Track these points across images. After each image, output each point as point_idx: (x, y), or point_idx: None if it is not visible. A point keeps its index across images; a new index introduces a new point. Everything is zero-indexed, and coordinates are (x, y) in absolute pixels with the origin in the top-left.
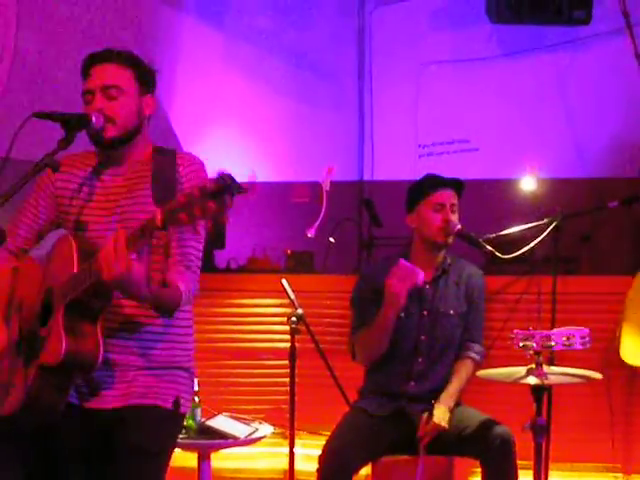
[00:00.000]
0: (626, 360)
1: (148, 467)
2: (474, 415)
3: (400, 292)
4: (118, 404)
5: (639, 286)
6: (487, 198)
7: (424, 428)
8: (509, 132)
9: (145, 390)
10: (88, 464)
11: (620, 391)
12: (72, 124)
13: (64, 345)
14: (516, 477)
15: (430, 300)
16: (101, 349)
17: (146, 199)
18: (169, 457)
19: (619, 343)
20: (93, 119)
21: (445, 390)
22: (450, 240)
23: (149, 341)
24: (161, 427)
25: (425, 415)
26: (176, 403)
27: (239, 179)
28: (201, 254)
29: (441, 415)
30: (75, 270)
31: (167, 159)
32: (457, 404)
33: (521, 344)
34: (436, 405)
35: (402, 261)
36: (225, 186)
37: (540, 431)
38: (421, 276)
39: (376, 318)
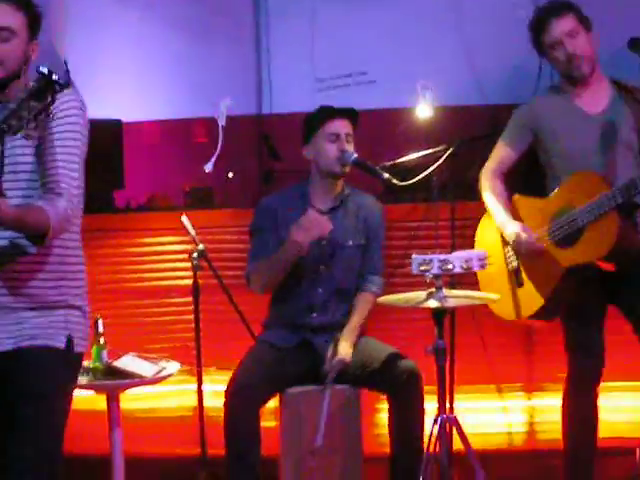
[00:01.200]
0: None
1: (44, 409)
2: (379, 348)
3: (304, 242)
4: (9, 347)
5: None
6: (384, 128)
7: (330, 363)
8: (406, 62)
9: (36, 331)
10: None
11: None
12: None
13: None
14: (422, 408)
15: (329, 232)
16: None
17: None
18: (67, 399)
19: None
20: None
21: (347, 325)
22: (347, 169)
23: (35, 280)
24: (54, 368)
25: (330, 350)
26: (69, 342)
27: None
28: (76, 179)
29: (344, 351)
30: None
31: None
32: (360, 335)
33: (420, 268)
34: (340, 340)
35: (310, 210)
36: (46, 82)
37: (442, 354)
38: (329, 226)
39: (275, 255)
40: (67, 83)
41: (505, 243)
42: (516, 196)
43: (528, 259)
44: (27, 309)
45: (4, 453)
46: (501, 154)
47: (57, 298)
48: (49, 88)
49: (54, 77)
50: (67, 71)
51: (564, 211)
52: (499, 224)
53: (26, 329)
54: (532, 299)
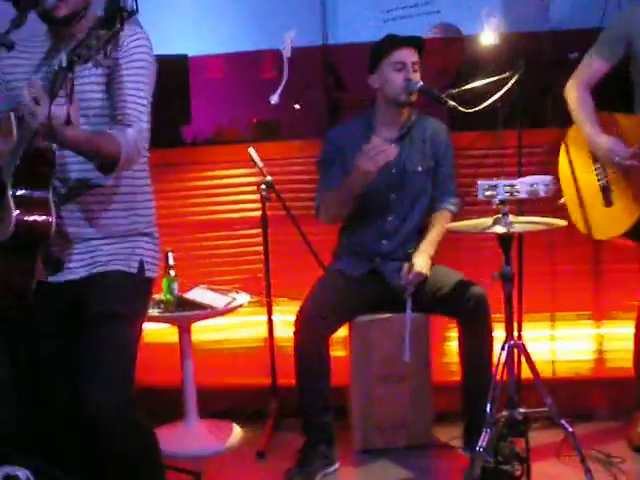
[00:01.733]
0: (588, 236)
1: (118, 328)
2: (448, 274)
3: (370, 170)
4: (84, 274)
5: (563, 165)
6: (449, 56)
7: (405, 277)
8: None
9: (108, 257)
10: (67, 340)
11: (589, 240)
12: (23, 3)
13: (13, 216)
14: (490, 333)
15: (397, 158)
16: (53, 218)
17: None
18: (140, 322)
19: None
20: None
21: (425, 238)
22: (413, 98)
23: (107, 211)
24: (127, 290)
25: (406, 265)
26: (140, 267)
27: None
28: (145, 113)
29: (422, 263)
30: (15, 138)
31: None
32: (432, 262)
33: (486, 193)
34: (416, 253)
35: (375, 138)
36: (113, 10)
37: (508, 279)
38: (394, 152)
39: (343, 185)
40: (134, 10)
41: (595, 158)
42: (604, 112)
43: (619, 176)
44: (99, 238)
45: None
46: (592, 65)
47: (128, 227)
48: (117, 15)
49: (122, 3)
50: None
51: None
52: (588, 137)
53: (98, 256)
54: (622, 218)
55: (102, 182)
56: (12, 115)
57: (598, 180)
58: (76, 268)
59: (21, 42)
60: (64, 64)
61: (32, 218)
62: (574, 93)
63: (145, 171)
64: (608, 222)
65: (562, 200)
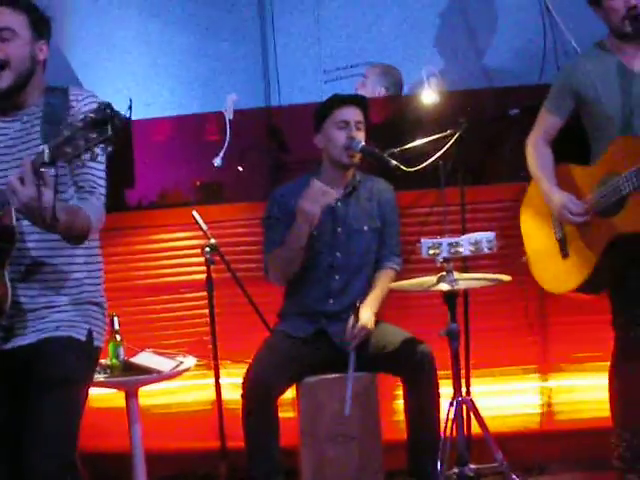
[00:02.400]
0: (550, 290)
1: (67, 393)
2: (393, 332)
3: (313, 211)
4: (31, 340)
5: (523, 219)
6: (391, 115)
7: (350, 331)
8: (410, 49)
9: (57, 324)
10: (15, 405)
11: (534, 295)
12: None
13: None
14: (437, 391)
15: (343, 217)
16: (9, 292)
17: (39, 142)
18: (86, 389)
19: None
20: None
21: (369, 295)
22: (356, 160)
23: (58, 280)
24: (75, 357)
25: (351, 318)
26: (89, 336)
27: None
28: (104, 181)
29: (367, 317)
30: None
31: (58, 97)
32: (376, 321)
33: (429, 252)
34: (361, 308)
35: (315, 181)
36: (106, 116)
37: (454, 337)
38: (334, 195)
39: (289, 237)
40: (127, 118)
41: (552, 212)
42: (561, 164)
43: (573, 229)
44: (49, 307)
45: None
46: (546, 121)
47: (79, 296)
48: (109, 120)
49: (116, 110)
50: (130, 107)
51: (608, 178)
52: (544, 193)
53: (48, 322)
54: (577, 271)
55: (60, 253)
56: None
57: (555, 233)
58: (24, 335)
59: None
60: (46, 159)
61: None
62: (531, 149)
63: (97, 240)
64: (563, 275)
65: (524, 258)
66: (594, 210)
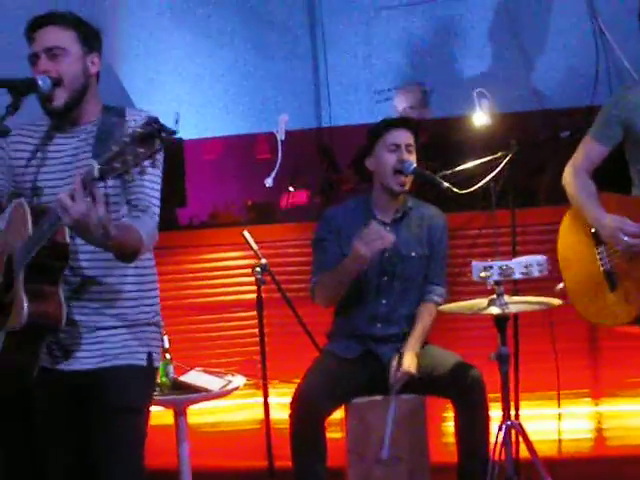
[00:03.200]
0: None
1: (131, 424)
2: (443, 355)
3: (367, 255)
4: (93, 366)
5: (562, 251)
6: (443, 137)
7: (395, 375)
8: (462, 71)
9: (118, 350)
10: (66, 428)
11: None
12: (18, 89)
13: (25, 308)
14: (487, 413)
15: (392, 243)
16: (63, 310)
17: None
18: (148, 413)
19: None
20: (40, 82)
21: (410, 335)
22: (406, 187)
23: (115, 300)
24: (138, 384)
25: (394, 362)
26: (149, 358)
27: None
28: (157, 200)
29: (409, 362)
30: (30, 232)
31: (115, 116)
32: (424, 344)
33: (480, 274)
34: (404, 352)
35: (373, 223)
36: (153, 130)
37: (504, 360)
38: (391, 240)
39: (338, 267)
40: (174, 132)
41: (598, 242)
42: (604, 193)
43: (622, 260)
44: (107, 328)
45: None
46: (591, 150)
47: (136, 317)
48: (156, 134)
49: (163, 124)
50: (177, 121)
51: None
52: (593, 221)
53: (107, 349)
54: (629, 304)
55: (112, 272)
56: (25, 205)
57: (601, 265)
58: (84, 358)
59: (24, 127)
60: (96, 174)
61: (43, 309)
62: (573, 180)
63: (152, 260)
64: (613, 309)
65: (561, 285)
66: None
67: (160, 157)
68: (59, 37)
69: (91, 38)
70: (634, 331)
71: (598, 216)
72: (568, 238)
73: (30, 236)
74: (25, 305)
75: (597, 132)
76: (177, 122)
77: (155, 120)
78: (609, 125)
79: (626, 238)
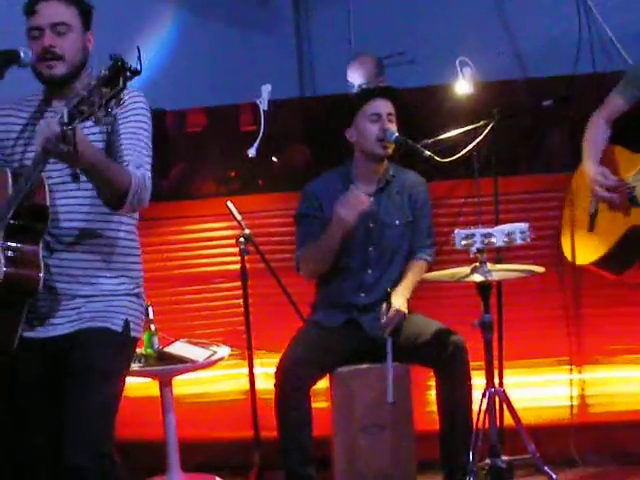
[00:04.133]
0: (570, 259)
1: (103, 386)
2: (426, 323)
3: (349, 219)
4: (68, 331)
5: (573, 187)
6: (425, 106)
7: (384, 316)
8: (444, 40)
9: (94, 314)
10: (47, 392)
11: (568, 286)
12: (1, 60)
13: (2, 269)
14: (469, 382)
15: (375, 212)
16: (41, 272)
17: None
18: (123, 379)
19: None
20: (21, 54)
21: (401, 282)
22: (389, 151)
23: (96, 269)
24: (112, 348)
25: (384, 304)
26: (126, 326)
27: None
28: (149, 159)
29: (400, 301)
30: (10, 192)
31: None
32: (408, 312)
33: (463, 242)
34: (393, 294)
35: (352, 187)
36: (117, 69)
37: (488, 328)
38: (370, 203)
39: (322, 237)
40: (138, 70)
41: None
42: (611, 145)
43: (605, 207)
44: (87, 296)
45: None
46: (612, 102)
47: (117, 287)
48: (121, 74)
49: (126, 64)
50: (139, 57)
51: None
52: (584, 162)
53: (84, 313)
54: (595, 247)
55: (96, 241)
56: (8, 170)
57: (590, 207)
58: (61, 324)
59: (16, 102)
60: (65, 119)
61: (21, 272)
62: (591, 125)
63: (135, 233)
64: (583, 248)
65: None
66: (625, 194)
67: (146, 115)
68: (65, 13)
69: (89, 15)
70: (603, 274)
71: (588, 165)
72: (580, 179)
73: (10, 195)
74: (2, 267)
75: (621, 87)
76: (139, 59)
77: (119, 59)
78: (631, 85)
79: (598, 188)
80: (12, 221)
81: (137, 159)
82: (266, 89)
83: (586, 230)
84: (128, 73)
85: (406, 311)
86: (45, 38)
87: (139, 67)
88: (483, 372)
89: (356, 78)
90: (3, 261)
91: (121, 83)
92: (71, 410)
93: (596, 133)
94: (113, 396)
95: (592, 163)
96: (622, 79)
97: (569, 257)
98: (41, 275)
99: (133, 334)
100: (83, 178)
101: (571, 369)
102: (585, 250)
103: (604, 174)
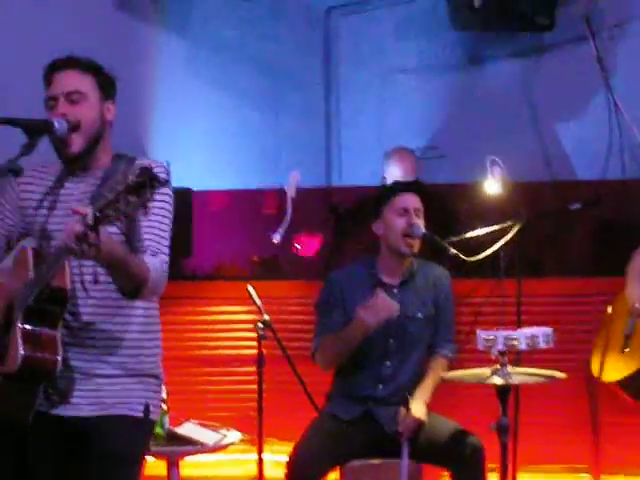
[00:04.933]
0: (596, 375)
1: (123, 473)
2: (444, 423)
3: (372, 324)
4: (88, 413)
5: (612, 310)
6: (453, 203)
7: (403, 423)
8: (475, 138)
9: (115, 400)
10: (59, 471)
11: (587, 393)
12: (34, 129)
13: (20, 352)
14: None
15: (398, 304)
16: (59, 355)
17: None
18: (142, 463)
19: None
20: (56, 124)
21: (421, 385)
22: (415, 250)
23: (115, 348)
24: (133, 434)
25: (403, 410)
26: (146, 410)
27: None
28: (167, 247)
29: (418, 408)
30: (31, 275)
31: (124, 164)
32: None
33: (485, 344)
34: (413, 399)
35: (379, 292)
36: (145, 179)
37: (505, 431)
38: (396, 309)
39: (341, 333)
40: (167, 181)
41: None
42: None
43: None
44: (106, 376)
45: None
46: None
47: (136, 367)
48: (148, 184)
49: (155, 174)
50: (168, 171)
51: None
52: (628, 286)
53: (104, 397)
54: (626, 364)
55: (114, 319)
56: (29, 250)
57: (625, 329)
58: (81, 405)
59: (35, 168)
60: (90, 221)
61: (38, 355)
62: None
63: (156, 309)
64: (613, 366)
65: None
66: None
67: (169, 206)
68: (79, 82)
69: (108, 85)
70: (623, 397)
71: (631, 281)
72: (617, 304)
73: (30, 278)
74: (20, 350)
75: None
76: (168, 173)
77: (147, 170)
78: None
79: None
80: (31, 304)
81: (156, 245)
82: (294, 177)
83: (619, 349)
84: (156, 183)
85: (425, 419)
86: (59, 107)
87: (168, 178)
88: (496, 474)
89: (394, 172)
90: (21, 343)
91: (148, 194)
92: None
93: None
94: (134, 479)
95: (635, 284)
96: None
97: (596, 373)
98: (59, 358)
99: (152, 417)
100: None
101: (588, 478)
102: (614, 367)
103: None
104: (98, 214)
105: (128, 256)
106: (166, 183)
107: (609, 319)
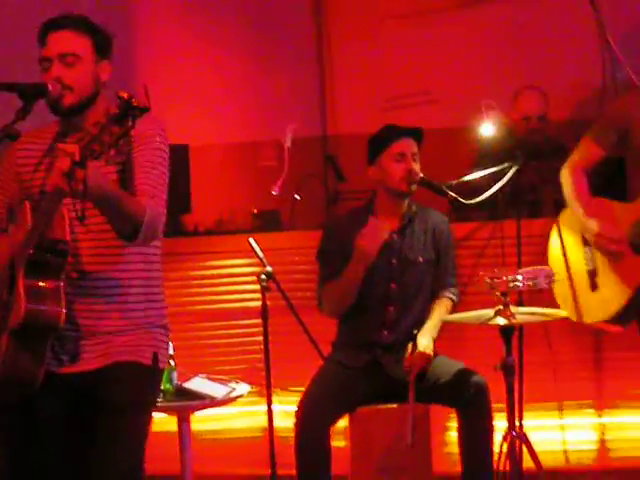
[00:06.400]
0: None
1: (132, 419)
2: (448, 364)
3: (370, 250)
4: (97, 365)
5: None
6: (449, 147)
7: (410, 359)
8: (469, 82)
9: (123, 348)
10: (70, 425)
11: (588, 329)
12: (29, 93)
13: (23, 305)
14: (491, 423)
15: (398, 249)
16: (63, 307)
17: None
18: (151, 411)
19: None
20: (50, 87)
21: (427, 322)
22: (413, 188)
23: (122, 303)
24: (141, 381)
25: (409, 346)
26: (154, 359)
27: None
28: (164, 192)
29: (426, 343)
30: (29, 226)
31: None
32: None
33: (488, 285)
34: (419, 335)
35: (371, 218)
36: (127, 107)
37: (510, 371)
38: (387, 230)
39: (344, 272)
40: (146, 108)
41: (585, 242)
42: (598, 198)
43: (605, 262)
44: (113, 332)
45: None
46: (589, 151)
47: (143, 320)
48: (129, 113)
49: (134, 102)
50: (146, 95)
51: None
52: (581, 221)
53: (112, 347)
54: (607, 304)
55: (119, 275)
56: (27, 206)
57: (586, 265)
58: (89, 359)
59: (32, 134)
60: (77, 158)
61: (42, 308)
62: (568, 177)
63: (158, 263)
64: (593, 307)
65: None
66: (630, 244)
67: (164, 154)
68: (74, 43)
69: (104, 44)
70: (612, 329)
71: (585, 217)
72: (561, 235)
73: (28, 229)
74: (22, 303)
75: (595, 133)
76: (147, 95)
77: (127, 98)
78: (607, 128)
79: (606, 242)
80: (32, 256)
81: (151, 189)
82: (290, 128)
83: (588, 289)
84: (137, 112)
85: (432, 353)
86: (53, 69)
87: (147, 105)
88: (504, 414)
89: (527, 109)
90: (24, 296)
91: (129, 122)
92: (102, 442)
93: (579, 186)
94: (145, 429)
95: (590, 218)
96: (595, 124)
97: (573, 317)
98: (63, 310)
99: (161, 366)
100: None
101: (592, 413)
102: (593, 308)
103: (609, 227)
104: (85, 151)
105: (121, 194)
106: (146, 109)
107: (557, 255)
